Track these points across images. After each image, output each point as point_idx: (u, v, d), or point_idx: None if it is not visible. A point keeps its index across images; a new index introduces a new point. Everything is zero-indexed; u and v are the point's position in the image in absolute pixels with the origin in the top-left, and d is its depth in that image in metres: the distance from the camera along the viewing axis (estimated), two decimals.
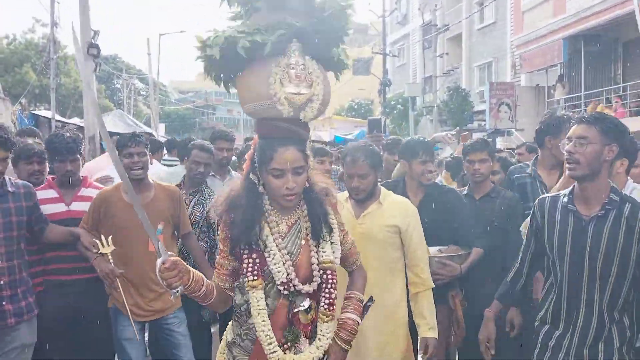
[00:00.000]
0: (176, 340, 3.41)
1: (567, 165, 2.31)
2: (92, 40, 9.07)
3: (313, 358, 1.96)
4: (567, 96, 16.07)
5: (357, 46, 41.35)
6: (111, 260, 3.12)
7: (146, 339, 3.63)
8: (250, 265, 1.94)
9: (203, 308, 3.74)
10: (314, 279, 1.98)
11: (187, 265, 1.86)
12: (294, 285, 1.94)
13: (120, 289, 3.18)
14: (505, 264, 3.07)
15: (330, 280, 2.01)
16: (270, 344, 1.91)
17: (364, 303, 2.18)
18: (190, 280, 1.84)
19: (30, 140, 4.51)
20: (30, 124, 10.90)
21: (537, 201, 2.54)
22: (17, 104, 12.21)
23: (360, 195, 2.89)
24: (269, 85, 1.83)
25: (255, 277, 1.93)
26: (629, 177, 2.86)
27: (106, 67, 26.95)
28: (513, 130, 17.22)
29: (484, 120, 19.02)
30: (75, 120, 12.75)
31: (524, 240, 2.66)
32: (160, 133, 19.02)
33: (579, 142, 2.27)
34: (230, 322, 2.14)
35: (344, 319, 2.08)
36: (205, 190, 3.97)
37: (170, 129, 38.92)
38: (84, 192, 3.51)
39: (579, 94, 15.32)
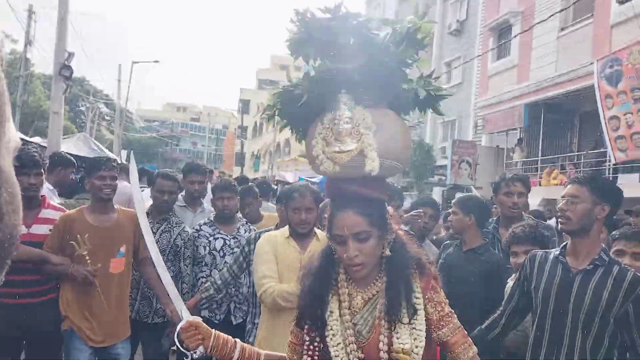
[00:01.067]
0: None
1: (559, 220, 2.48)
2: (66, 62, 9.02)
3: None
4: (525, 159, 16.71)
5: None
6: (88, 260, 3.22)
7: None
8: (308, 342, 1.73)
9: (163, 336, 3.68)
10: None
11: (211, 329, 1.81)
12: None
13: (99, 287, 3.25)
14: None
15: None
16: None
17: None
18: (211, 345, 1.77)
19: None
20: None
21: (528, 255, 2.65)
22: None
23: (306, 229, 3.10)
24: (313, 146, 1.68)
25: (309, 359, 1.72)
26: None
27: (74, 90, 26.61)
28: (472, 187, 17.69)
29: (445, 176, 19.51)
30: (37, 139, 12.44)
31: (507, 294, 2.70)
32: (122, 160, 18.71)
33: (570, 200, 2.43)
34: None
35: None
36: (173, 218, 3.95)
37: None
38: (44, 213, 3.43)
39: (536, 158, 15.96)
